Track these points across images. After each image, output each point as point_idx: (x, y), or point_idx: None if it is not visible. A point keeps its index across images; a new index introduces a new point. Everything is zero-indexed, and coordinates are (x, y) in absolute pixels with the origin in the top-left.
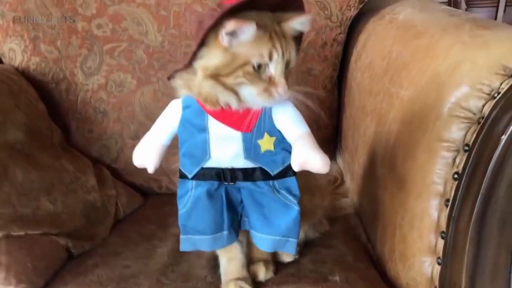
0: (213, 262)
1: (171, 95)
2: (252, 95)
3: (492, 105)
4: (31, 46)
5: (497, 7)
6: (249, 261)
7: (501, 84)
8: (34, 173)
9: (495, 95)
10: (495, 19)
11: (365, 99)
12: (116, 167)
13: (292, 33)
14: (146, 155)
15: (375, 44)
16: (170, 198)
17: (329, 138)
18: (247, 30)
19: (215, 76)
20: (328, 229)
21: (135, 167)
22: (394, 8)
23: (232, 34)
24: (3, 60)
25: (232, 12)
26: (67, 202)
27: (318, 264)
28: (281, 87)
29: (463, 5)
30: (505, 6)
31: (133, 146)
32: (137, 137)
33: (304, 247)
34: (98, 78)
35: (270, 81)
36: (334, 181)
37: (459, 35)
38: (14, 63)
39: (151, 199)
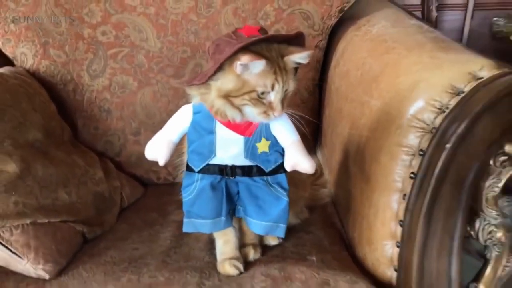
0: (210, 245)
1: (169, 96)
2: (252, 114)
3: (442, 118)
4: (41, 50)
5: (466, 11)
6: (241, 245)
7: (449, 101)
8: (51, 168)
9: (445, 109)
10: (464, 22)
11: (341, 103)
12: (119, 160)
13: (293, 65)
14: (158, 149)
15: (351, 55)
16: (168, 188)
17: (310, 133)
18: (258, 65)
19: (226, 96)
20: (308, 216)
21: (136, 160)
22: (370, 19)
23: (245, 66)
24: (15, 62)
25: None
26: (80, 193)
27: (299, 247)
28: (277, 112)
29: (434, 11)
30: (473, 10)
31: (134, 142)
32: (138, 134)
33: (287, 232)
34: (102, 80)
35: (270, 105)
36: (314, 173)
37: (420, 55)
38: (25, 66)
39: (151, 189)
